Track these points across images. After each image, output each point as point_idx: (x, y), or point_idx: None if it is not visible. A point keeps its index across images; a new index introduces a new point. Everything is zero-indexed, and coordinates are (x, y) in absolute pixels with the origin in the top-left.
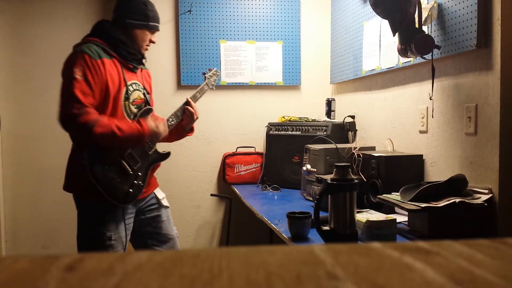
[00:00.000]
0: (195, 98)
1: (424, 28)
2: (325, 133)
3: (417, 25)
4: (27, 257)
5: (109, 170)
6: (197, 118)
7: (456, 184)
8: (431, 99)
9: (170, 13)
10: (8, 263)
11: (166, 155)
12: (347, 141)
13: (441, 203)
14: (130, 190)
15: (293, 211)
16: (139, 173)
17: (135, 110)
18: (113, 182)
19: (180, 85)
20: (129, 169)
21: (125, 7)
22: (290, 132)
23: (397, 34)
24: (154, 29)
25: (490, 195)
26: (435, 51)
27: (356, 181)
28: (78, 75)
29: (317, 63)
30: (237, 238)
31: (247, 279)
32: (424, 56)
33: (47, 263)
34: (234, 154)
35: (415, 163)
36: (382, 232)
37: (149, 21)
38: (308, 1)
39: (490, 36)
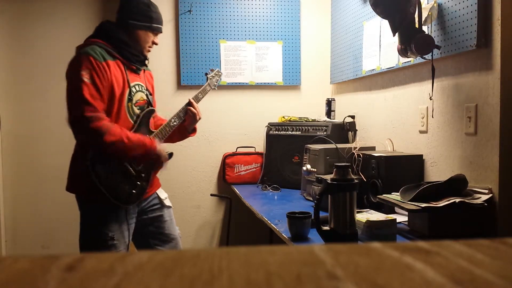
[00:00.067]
0: (197, 98)
1: (424, 28)
2: (325, 133)
3: (417, 25)
4: (27, 257)
5: (113, 171)
6: (199, 118)
7: (456, 184)
8: (431, 99)
9: (170, 13)
10: (8, 263)
11: (169, 156)
12: (347, 141)
13: (441, 203)
14: (133, 191)
15: (293, 211)
16: (142, 174)
17: (137, 111)
18: (116, 183)
19: (180, 85)
20: (132, 170)
21: (128, 8)
22: (290, 132)
23: (397, 34)
24: (157, 31)
25: (490, 195)
26: (435, 51)
27: (356, 181)
28: (86, 78)
29: (317, 63)
30: (237, 238)
31: (247, 279)
32: (424, 56)
33: (47, 263)
34: (234, 154)
35: (415, 163)
36: (382, 232)
37: (152, 22)
38: (308, 1)
39: (490, 36)
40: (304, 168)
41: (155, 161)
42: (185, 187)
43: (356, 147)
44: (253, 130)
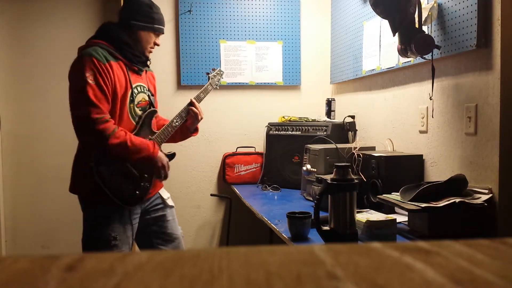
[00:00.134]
0: (199, 98)
1: (424, 28)
2: (325, 133)
3: (417, 25)
4: (27, 257)
5: (116, 172)
6: (201, 118)
7: (456, 184)
8: (431, 99)
9: (170, 13)
10: (8, 263)
11: (172, 156)
12: (347, 141)
13: (441, 203)
14: (137, 191)
15: (293, 211)
16: (145, 175)
17: (139, 112)
18: (120, 184)
19: (180, 85)
20: (136, 171)
21: (130, 9)
22: (290, 132)
23: (397, 34)
24: (159, 32)
25: (490, 195)
26: (435, 51)
27: (356, 181)
28: (90, 79)
29: (317, 63)
30: (237, 238)
31: (247, 279)
32: (424, 56)
33: (47, 263)
34: (234, 154)
35: (415, 163)
36: (382, 232)
37: (154, 23)
38: (308, 1)
39: (490, 36)
40: (304, 168)
41: (155, 168)
42: (185, 187)
43: (356, 147)
44: (253, 130)
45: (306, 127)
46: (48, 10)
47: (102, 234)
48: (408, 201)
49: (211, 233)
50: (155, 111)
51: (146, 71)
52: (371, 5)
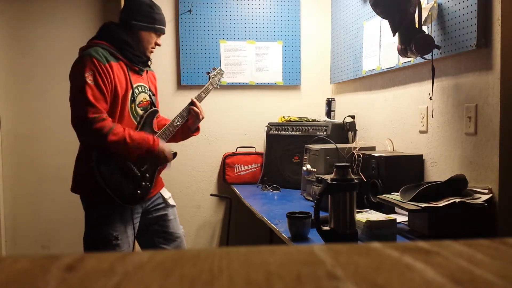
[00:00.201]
0: (200, 98)
1: (424, 28)
2: (325, 133)
3: (417, 25)
4: (27, 257)
5: (117, 172)
6: (202, 118)
7: (456, 184)
8: (431, 99)
9: (170, 13)
10: (8, 263)
11: (173, 156)
12: (347, 141)
13: (441, 203)
14: (138, 191)
15: (293, 211)
16: (147, 175)
17: (141, 112)
18: (121, 183)
19: (180, 85)
20: (137, 170)
21: (131, 9)
22: (290, 132)
23: (397, 34)
24: (160, 32)
25: (490, 195)
26: (435, 51)
27: (356, 181)
28: (89, 79)
29: (317, 63)
30: (237, 238)
31: (247, 279)
32: (424, 56)
33: (47, 263)
34: (234, 154)
35: (415, 163)
36: (382, 232)
37: (155, 23)
38: (308, 1)
39: (490, 36)
40: (304, 168)
41: (159, 160)
42: (185, 187)
43: (356, 147)
44: (253, 130)
45: (306, 127)
46: (48, 10)
47: (104, 234)
48: (408, 201)
49: (211, 233)
50: (157, 111)
51: (147, 71)
52: (371, 5)
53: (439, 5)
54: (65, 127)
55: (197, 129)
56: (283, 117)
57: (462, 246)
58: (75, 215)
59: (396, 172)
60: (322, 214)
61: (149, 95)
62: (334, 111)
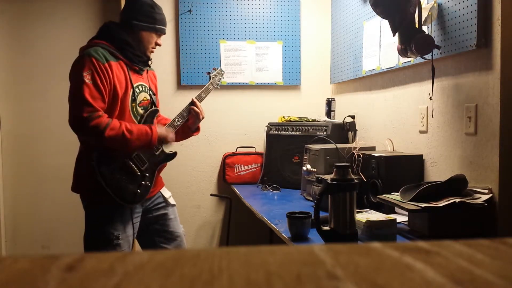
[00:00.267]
0: (200, 98)
1: (424, 28)
2: (325, 133)
3: (417, 25)
4: (27, 257)
5: (117, 171)
6: (203, 117)
7: (456, 184)
8: (431, 99)
9: (170, 13)
10: (8, 263)
11: (173, 155)
12: (347, 141)
13: (441, 203)
14: (138, 190)
15: (293, 211)
16: (147, 174)
17: (141, 112)
18: (121, 183)
19: (180, 85)
20: (137, 170)
21: (132, 9)
22: (290, 132)
23: (397, 34)
24: (160, 32)
25: (490, 195)
26: (435, 51)
27: (356, 181)
28: (87, 79)
29: (317, 63)
30: (237, 238)
31: (247, 279)
32: (424, 56)
33: (47, 263)
34: (234, 154)
35: (415, 163)
36: (382, 232)
37: (156, 24)
38: (308, 1)
39: (490, 36)
40: (304, 168)
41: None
42: (185, 187)
43: (356, 147)
44: (253, 130)
45: (306, 127)
46: (48, 10)
47: (105, 233)
48: (408, 201)
49: (211, 233)
50: (157, 110)
51: (147, 70)
52: (371, 5)
53: (439, 5)
54: (65, 127)
55: (197, 129)
56: (283, 117)
57: (462, 246)
58: (75, 215)
59: (396, 172)
60: (322, 214)
61: (150, 95)
62: (334, 111)
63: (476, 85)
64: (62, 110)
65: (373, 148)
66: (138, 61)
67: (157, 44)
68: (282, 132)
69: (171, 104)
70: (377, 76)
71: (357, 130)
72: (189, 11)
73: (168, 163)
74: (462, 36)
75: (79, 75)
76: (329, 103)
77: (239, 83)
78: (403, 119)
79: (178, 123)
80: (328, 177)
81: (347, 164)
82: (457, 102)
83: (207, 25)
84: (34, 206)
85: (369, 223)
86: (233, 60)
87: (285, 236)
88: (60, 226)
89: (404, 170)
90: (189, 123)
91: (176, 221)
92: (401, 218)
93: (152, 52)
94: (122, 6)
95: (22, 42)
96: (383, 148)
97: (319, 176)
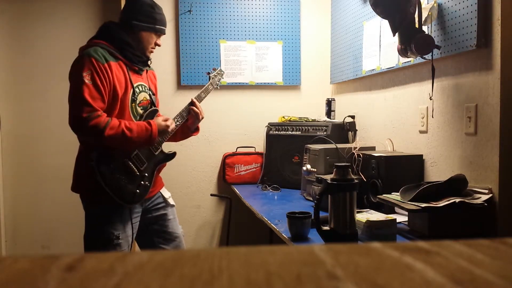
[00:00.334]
0: (199, 98)
1: (424, 28)
2: (325, 133)
3: (417, 25)
4: (27, 257)
5: (117, 171)
6: (202, 118)
7: (456, 184)
8: (431, 99)
9: (170, 13)
10: (8, 263)
11: (172, 155)
12: (347, 141)
13: (441, 203)
14: (137, 190)
15: (293, 211)
16: (146, 174)
17: (141, 112)
18: (121, 183)
19: (180, 85)
20: (136, 170)
21: (132, 9)
22: (290, 132)
23: (397, 34)
24: (160, 32)
25: (490, 195)
26: (435, 51)
27: (356, 181)
28: (87, 79)
29: (317, 63)
30: (237, 238)
31: (247, 279)
32: (424, 56)
33: (47, 263)
34: (234, 154)
35: (415, 163)
36: (382, 232)
37: (156, 24)
38: (308, 1)
39: (490, 36)
40: (304, 168)
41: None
42: (185, 187)
43: (356, 147)
44: (253, 130)
45: (306, 127)
46: (48, 10)
47: (104, 233)
48: (408, 201)
49: (211, 233)
50: (156, 110)
51: (146, 70)
52: (371, 5)
53: (439, 5)
54: (65, 127)
55: (196, 129)
56: (283, 117)
57: (462, 246)
58: (75, 215)
59: (396, 172)
60: (322, 214)
61: (149, 94)
62: (334, 111)
63: (476, 85)
64: (62, 110)
65: (373, 148)
66: (138, 61)
67: (156, 44)
68: (282, 132)
69: (171, 104)
70: (377, 76)
71: (357, 130)
72: (189, 11)
73: (168, 163)
74: (462, 36)
75: (79, 75)
76: (329, 103)
77: (239, 83)
78: (403, 119)
79: (178, 123)
80: (328, 177)
81: (347, 164)
82: (457, 102)
83: (207, 25)
84: (34, 206)
85: (369, 223)
86: (233, 60)
87: (285, 236)
88: (60, 226)
89: (404, 170)
90: (188, 123)
91: (175, 222)
92: (401, 218)
93: (152, 52)
94: (122, 6)
95: (22, 42)
96: (383, 148)
97: (319, 176)
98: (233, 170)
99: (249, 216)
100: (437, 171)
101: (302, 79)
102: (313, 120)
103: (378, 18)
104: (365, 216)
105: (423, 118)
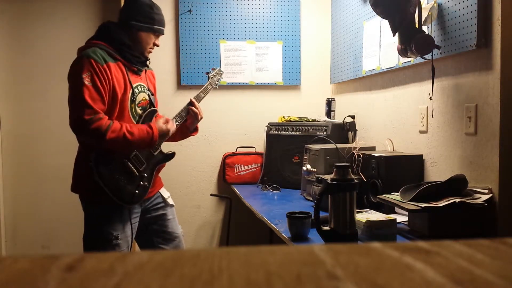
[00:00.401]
0: (198, 98)
1: (424, 28)
2: (325, 133)
3: (417, 25)
4: (27, 257)
5: (116, 172)
6: (201, 118)
7: (456, 184)
8: (431, 99)
9: (170, 13)
10: (8, 263)
11: (171, 156)
12: (347, 141)
13: (441, 203)
14: (136, 191)
15: (293, 211)
16: (145, 174)
17: (140, 112)
18: (120, 183)
19: (180, 85)
20: (135, 170)
21: (131, 9)
22: (290, 132)
23: (397, 34)
24: (159, 33)
25: (490, 195)
26: (435, 51)
27: (356, 181)
28: (86, 81)
29: (317, 63)
30: (237, 238)
31: (247, 279)
32: (424, 56)
33: (47, 263)
34: (234, 154)
35: (415, 163)
36: (382, 232)
37: (155, 24)
38: (308, 1)
39: (490, 36)
40: (304, 168)
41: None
42: (185, 187)
43: (356, 147)
44: (253, 130)
45: (306, 127)
46: (48, 10)
47: (104, 233)
48: (408, 201)
49: (211, 233)
50: (155, 111)
51: (145, 70)
52: (371, 5)
53: (439, 5)
54: (65, 127)
55: (195, 129)
56: (283, 117)
57: (462, 246)
58: (75, 215)
59: (396, 172)
60: (322, 214)
61: (148, 95)
62: (334, 111)
63: (476, 85)
64: (62, 110)
65: (373, 148)
66: (137, 61)
67: (155, 44)
68: (282, 132)
69: (171, 104)
70: (377, 76)
71: (357, 130)
72: (189, 11)
73: (168, 163)
74: (462, 36)
75: (78, 77)
76: (329, 103)
77: (239, 83)
78: (403, 119)
79: (177, 123)
80: (328, 177)
81: (347, 164)
82: (457, 102)
83: (207, 25)
84: (34, 206)
85: (369, 223)
86: (233, 60)
87: (285, 236)
88: (60, 226)
89: (404, 170)
90: (187, 123)
91: (175, 222)
92: (401, 218)
93: (150, 52)
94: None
95: (22, 42)
96: (383, 148)
97: (319, 176)
98: (233, 170)
99: (249, 216)
100: (437, 171)
101: (302, 79)
102: (313, 120)
103: (378, 18)
104: (365, 216)
105: (423, 118)
